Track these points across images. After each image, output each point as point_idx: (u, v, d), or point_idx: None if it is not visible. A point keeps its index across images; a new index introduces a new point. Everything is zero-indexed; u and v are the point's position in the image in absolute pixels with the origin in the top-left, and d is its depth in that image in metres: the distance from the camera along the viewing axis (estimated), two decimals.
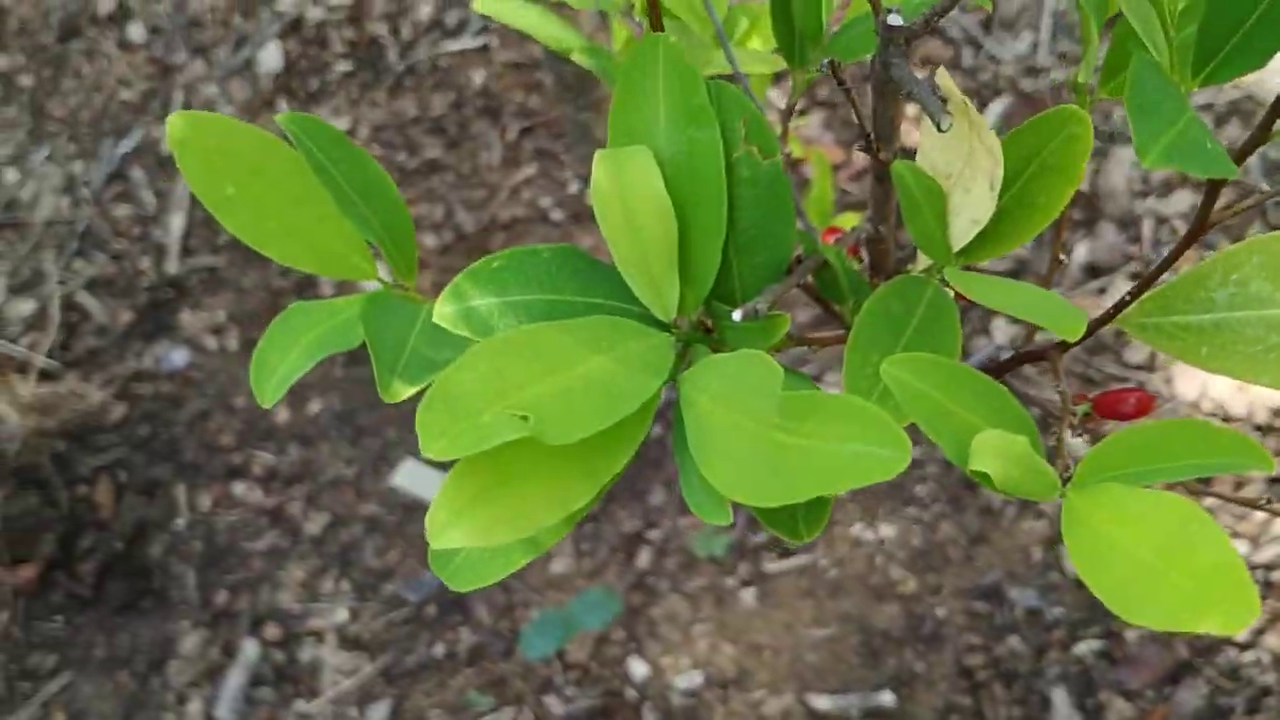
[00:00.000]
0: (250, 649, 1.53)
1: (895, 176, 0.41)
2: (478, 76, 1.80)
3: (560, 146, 1.73)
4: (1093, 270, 1.52)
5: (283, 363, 0.42)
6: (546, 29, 0.77)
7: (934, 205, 0.41)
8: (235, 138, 0.44)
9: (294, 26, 1.87)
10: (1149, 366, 1.49)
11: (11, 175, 1.86)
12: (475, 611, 1.51)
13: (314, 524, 1.59)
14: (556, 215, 1.67)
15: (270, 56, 1.85)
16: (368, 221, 0.45)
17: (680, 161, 0.39)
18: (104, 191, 1.83)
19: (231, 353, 1.71)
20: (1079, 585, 1.41)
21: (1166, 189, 1.55)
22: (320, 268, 0.46)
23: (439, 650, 1.50)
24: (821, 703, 1.41)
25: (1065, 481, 0.36)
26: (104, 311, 1.75)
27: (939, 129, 0.37)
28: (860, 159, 1.64)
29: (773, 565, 1.48)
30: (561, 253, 0.40)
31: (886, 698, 1.40)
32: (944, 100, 0.38)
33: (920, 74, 0.40)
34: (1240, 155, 0.34)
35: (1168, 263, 0.40)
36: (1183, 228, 1.49)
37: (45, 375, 1.71)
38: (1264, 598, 1.38)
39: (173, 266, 1.76)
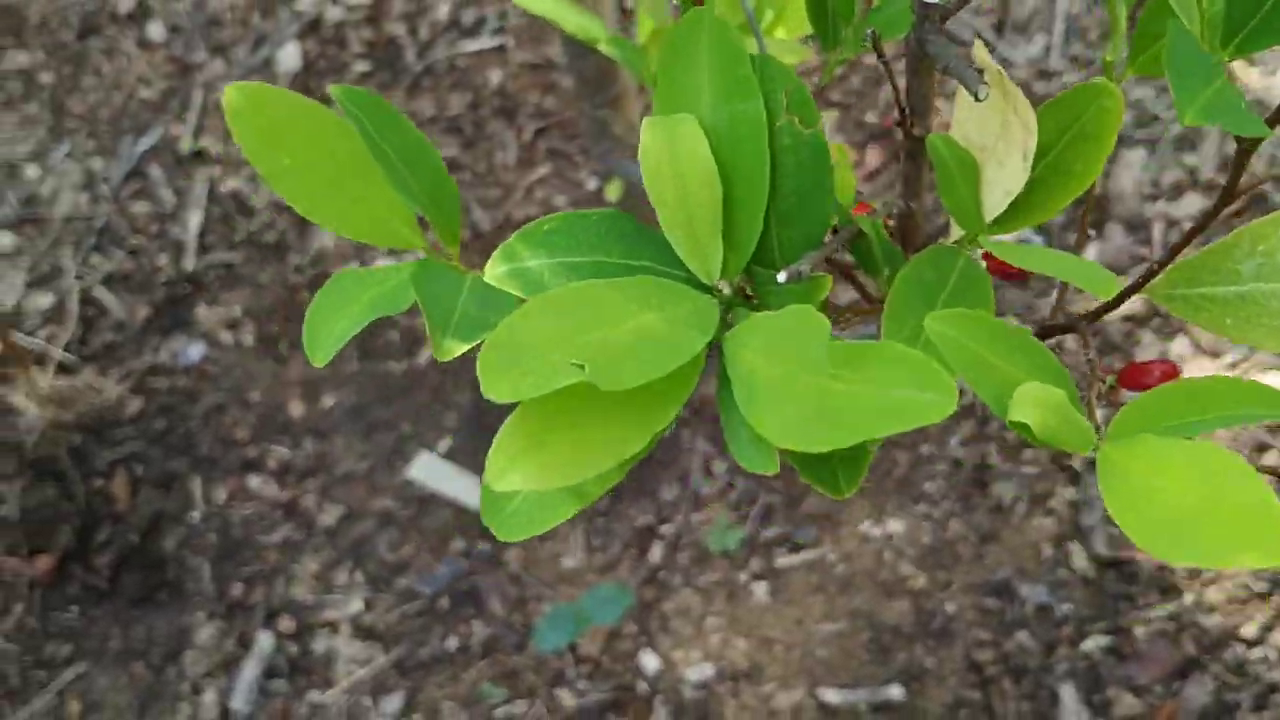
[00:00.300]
0: (265, 640, 1.55)
1: (930, 148, 0.42)
2: (494, 77, 1.82)
3: (574, 147, 1.75)
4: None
5: (335, 324, 0.43)
6: (575, 20, 0.79)
7: (968, 176, 0.42)
8: (290, 109, 0.45)
9: (313, 26, 1.89)
10: None
11: (32, 171, 1.88)
12: (488, 605, 1.53)
13: (328, 517, 1.61)
14: None
15: (289, 56, 1.87)
16: (415, 193, 0.46)
17: (724, 130, 0.40)
18: (123, 188, 1.85)
19: (247, 348, 1.72)
20: (1087, 582, 1.43)
21: (1176, 192, 1.56)
22: (368, 236, 0.47)
23: (452, 643, 1.52)
24: (832, 696, 1.42)
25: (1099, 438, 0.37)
26: (121, 306, 1.77)
27: (976, 99, 0.38)
28: (873, 159, 1.65)
29: (784, 560, 1.49)
30: (610, 217, 0.41)
31: (896, 692, 1.41)
32: (980, 72, 0.40)
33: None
34: (1271, 122, 0.36)
35: (1194, 233, 0.42)
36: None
37: (63, 369, 1.73)
38: (1270, 595, 1.39)
39: (190, 263, 1.78)
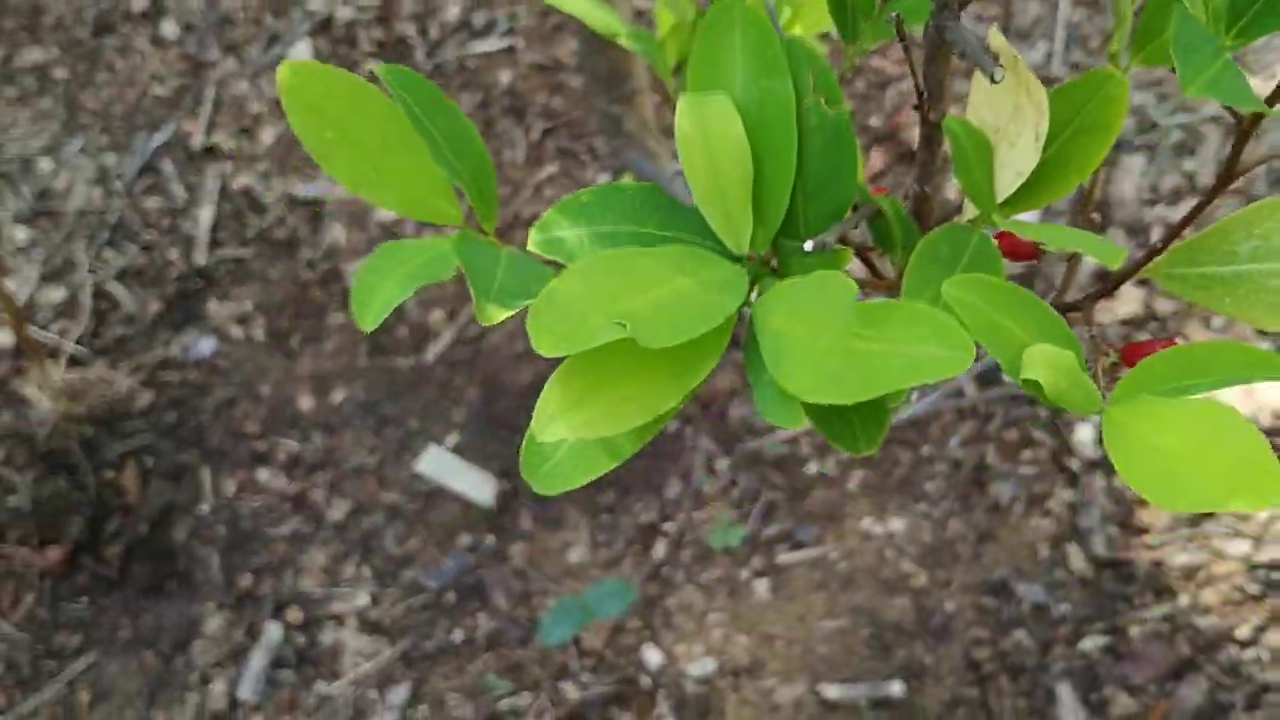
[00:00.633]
0: (273, 631, 1.57)
1: (947, 130, 0.44)
2: (504, 77, 1.84)
3: (582, 146, 1.78)
4: (1102, 275, 1.56)
5: (381, 290, 0.45)
6: (595, 14, 0.81)
7: (982, 157, 0.45)
8: (337, 86, 0.47)
9: (324, 25, 1.92)
10: None
11: (46, 165, 1.90)
12: (493, 599, 1.55)
13: (336, 511, 1.63)
14: None
15: (300, 54, 1.90)
16: (457, 169, 0.48)
17: (754, 109, 0.43)
18: (135, 184, 1.87)
19: (258, 342, 1.75)
20: (1084, 583, 1.45)
21: (1175, 197, 1.59)
22: (409, 210, 0.49)
23: (458, 636, 1.54)
24: (832, 692, 1.44)
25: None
26: (133, 300, 1.79)
27: (992, 81, 0.41)
28: (878, 162, 1.68)
29: (786, 557, 1.51)
30: (645, 189, 0.43)
31: (896, 688, 1.43)
32: (995, 56, 0.42)
33: None
34: (1271, 101, 0.38)
35: (1195, 213, 0.44)
36: (1189, 234, 1.53)
37: (75, 362, 1.75)
38: (1264, 597, 1.41)
39: (201, 258, 1.81)
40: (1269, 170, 1.59)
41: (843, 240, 0.51)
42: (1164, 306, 1.53)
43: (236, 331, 1.76)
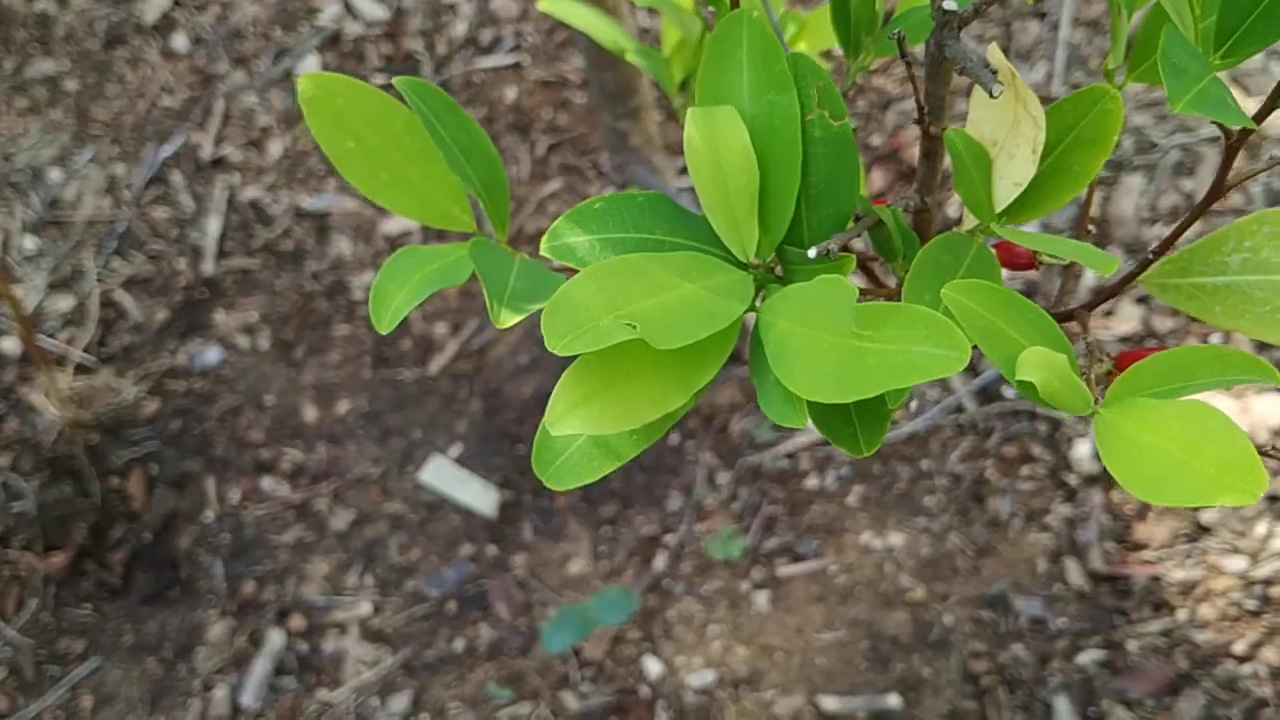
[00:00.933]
0: (275, 639, 1.58)
1: (947, 142, 0.46)
2: (509, 93, 1.86)
3: (586, 162, 1.79)
4: (1100, 292, 1.58)
5: (398, 295, 0.47)
6: (603, 30, 0.83)
7: (981, 169, 0.46)
8: (357, 97, 0.49)
9: (333, 40, 1.94)
10: None
11: (56, 175, 1.92)
12: (495, 608, 1.56)
13: (340, 520, 1.64)
14: None
15: (309, 68, 1.92)
16: (472, 179, 0.50)
17: (761, 122, 0.44)
18: (144, 194, 1.89)
19: (263, 352, 1.76)
20: (1082, 597, 1.46)
21: (1173, 216, 1.60)
22: (425, 217, 0.51)
23: (459, 645, 1.55)
24: (830, 704, 1.45)
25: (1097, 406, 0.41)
26: (140, 309, 1.81)
27: (991, 96, 0.42)
28: (878, 181, 1.69)
29: (785, 570, 1.53)
30: (653, 198, 0.45)
31: (893, 701, 1.44)
32: (994, 72, 0.44)
33: None
34: (1259, 118, 0.40)
35: (1185, 225, 0.46)
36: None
37: (82, 369, 1.76)
38: (1261, 613, 1.42)
39: (208, 267, 1.82)
40: (1267, 190, 1.61)
41: (845, 248, 0.52)
42: (1162, 324, 1.55)
43: (242, 341, 1.77)
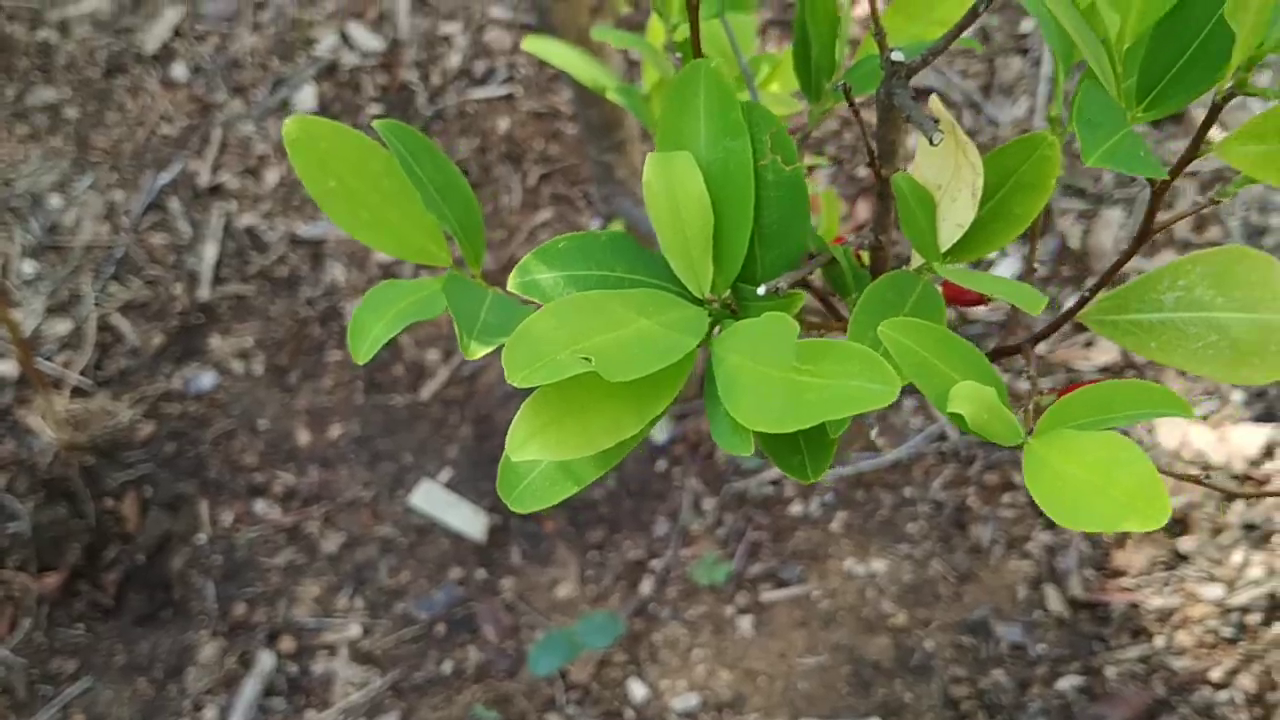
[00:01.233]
0: (265, 660, 1.60)
1: (894, 186, 0.49)
2: (502, 123, 1.90)
3: (577, 192, 1.83)
4: (1080, 325, 1.60)
5: (376, 326, 0.49)
6: (585, 70, 0.86)
7: (926, 211, 0.49)
8: (339, 140, 0.52)
9: (329, 70, 1.98)
10: None
11: (56, 201, 1.95)
12: (483, 631, 1.58)
13: (330, 543, 1.66)
14: None
15: (306, 98, 1.95)
16: (447, 216, 0.53)
17: (717, 166, 0.47)
18: (142, 220, 1.92)
19: (257, 377, 1.79)
20: (1061, 623, 1.48)
21: (1152, 249, 1.63)
22: (402, 253, 0.54)
23: (447, 667, 1.57)
24: None
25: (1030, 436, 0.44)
26: (137, 334, 1.83)
27: (931, 144, 0.45)
28: (860, 213, 1.73)
29: (769, 595, 1.55)
30: (615, 237, 0.48)
31: None
32: (935, 121, 0.46)
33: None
34: (1175, 170, 0.42)
35: (1119, 264, 0.48)
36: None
37: (78, 392, 1.79)
38: (1237, 640, 1.44)
39: (204, 293, 1.85)
40: (1244, 224, 1.64)
41: (809, 287, 0.55)
42: (1140, 356, 1.57)
43: (237, 366, 1.80)
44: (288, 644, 1.61)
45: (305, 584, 1.64)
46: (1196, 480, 0.52)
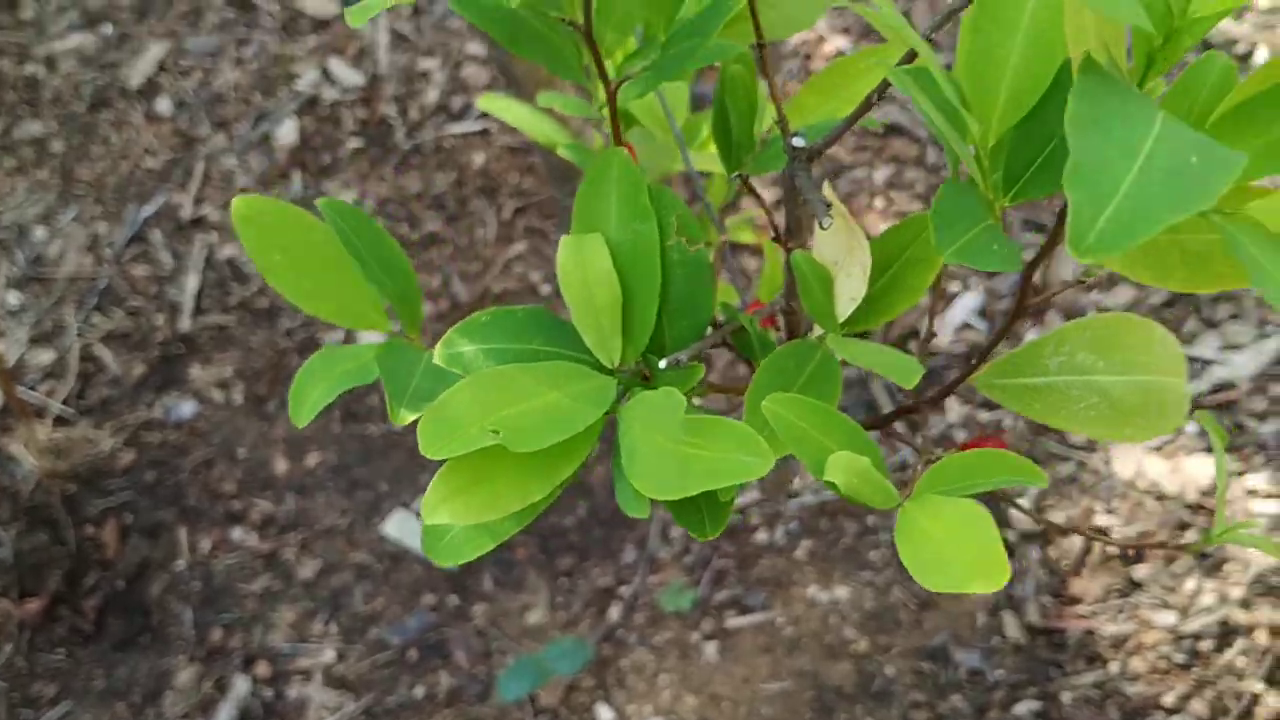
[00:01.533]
0: (241, 685, 1.63)
1: (793, 264, 0.53)
2: (478, 158, 1.94)
3: (550, 225, 1.87)
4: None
5: (314, 392, 0.53)
6: (538, 126, 0.90)
7: (823, 285, 0.53)
8: (282, 216, 0.56)
9: (310, 105, 2.02)
10: (1089, 447, 1.61)
11: (40, 233, 1.99)
12: (454, 656, 1.61)
13: (307, 569, 1.70)
14: (545, 289, 1.80)
15: (287, 132, 2.00)
16: (385, 286, 0.57)
17: (626, 247, 0.51)
18: (125, 252, 1.96)
19: (236, 406, 1.82)
20: (1019, 649, 1.52)
21: (1110, 283, 1.68)
22: (344, 320, 0.58)
23: (419, 691, 1.60)
24: None
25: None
26: (119, 363, 1.87)
27: (821, 227, 0.49)
28: None
29: (734, 622, 1.58)
30: (532, 313, 0.52)
31: None
32: (828, 205, 0.51)
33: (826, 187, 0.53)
34: (1033, 264, 0.47)
35: (998, 338, 0.52)
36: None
37: (61, 421, 1.83)
38: (1190, 666, 1.48)
39: (185, 324, 1.89)
40: None
41: (728, 346, 0.59)
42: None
43: (216, 395, 1.83)
44: (263, 669, 1.64)
45: (281, 610, 1.68)
46: (1089, 536, 0.56)
